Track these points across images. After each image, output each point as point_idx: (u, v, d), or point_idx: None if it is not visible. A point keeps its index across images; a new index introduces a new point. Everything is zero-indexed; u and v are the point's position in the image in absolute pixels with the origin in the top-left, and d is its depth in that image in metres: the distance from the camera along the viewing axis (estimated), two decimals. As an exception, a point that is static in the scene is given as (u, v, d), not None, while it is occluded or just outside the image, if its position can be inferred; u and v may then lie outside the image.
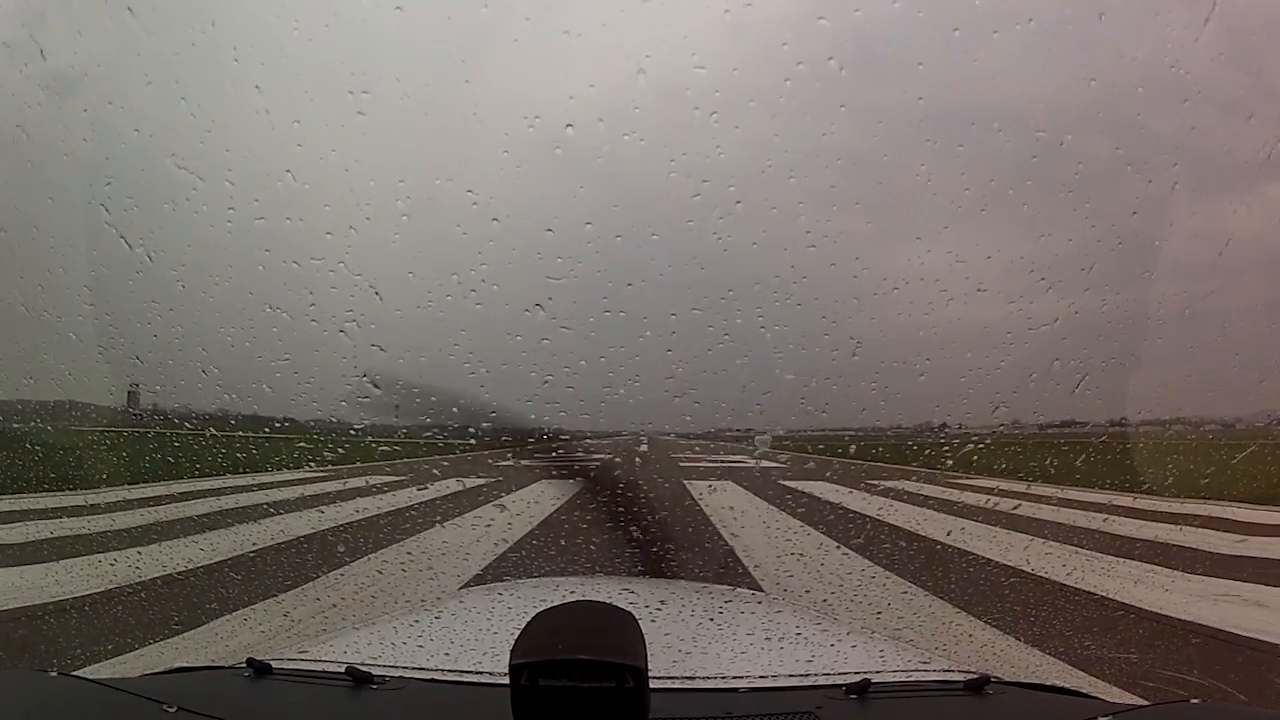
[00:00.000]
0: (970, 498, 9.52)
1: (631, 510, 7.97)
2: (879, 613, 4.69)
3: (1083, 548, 6.62)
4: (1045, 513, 8.28)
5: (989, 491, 9.02)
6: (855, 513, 9.23)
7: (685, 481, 12.12)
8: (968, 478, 11.51)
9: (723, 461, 18.42)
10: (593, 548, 5.94)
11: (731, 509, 9.11)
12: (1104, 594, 5.17)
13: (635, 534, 6.08)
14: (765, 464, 18.06)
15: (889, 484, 11.59)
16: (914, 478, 11.77)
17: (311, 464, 9.49)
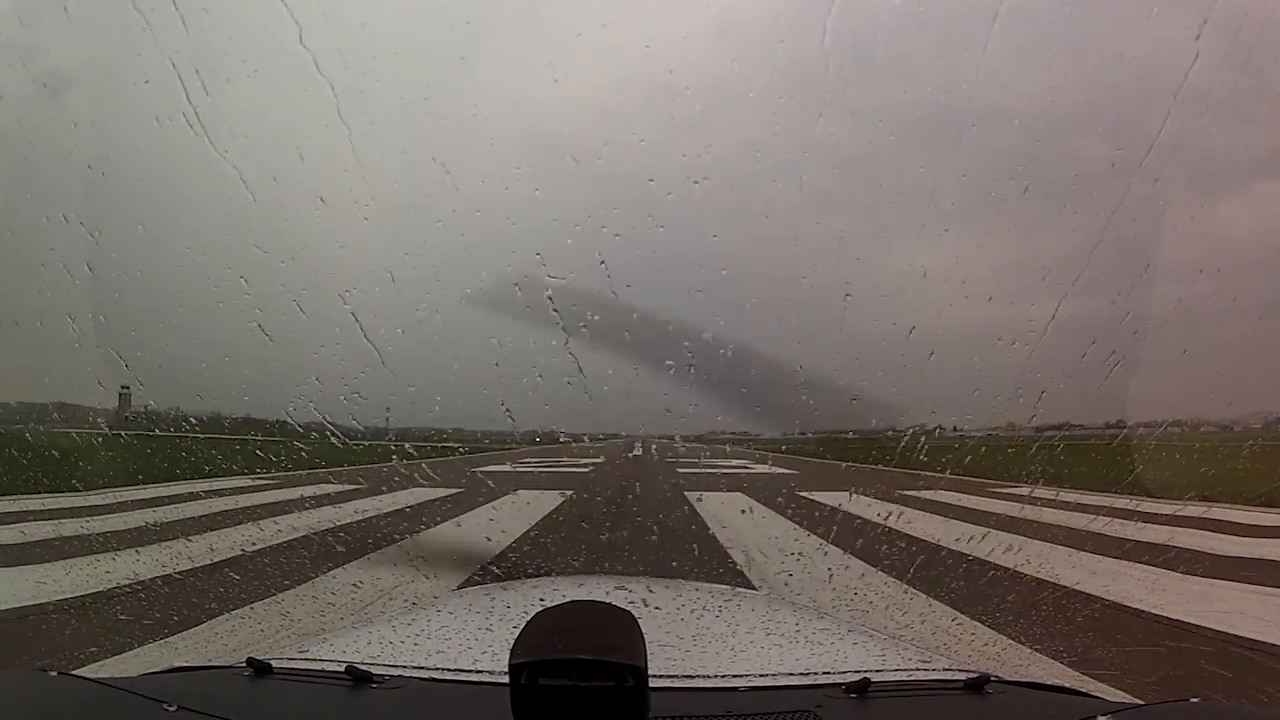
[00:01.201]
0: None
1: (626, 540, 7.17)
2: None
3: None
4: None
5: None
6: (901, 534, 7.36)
7: (687, 493, 11.26)
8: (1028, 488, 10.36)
9: (726, 467, 16.75)
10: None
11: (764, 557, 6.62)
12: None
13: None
14: (774, 469, 16.90)
15: (926, 495, 10.25)
16: (947, 486, 10.29)
17: (265, 470, 8.75)
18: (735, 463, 18.92)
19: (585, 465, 16.86)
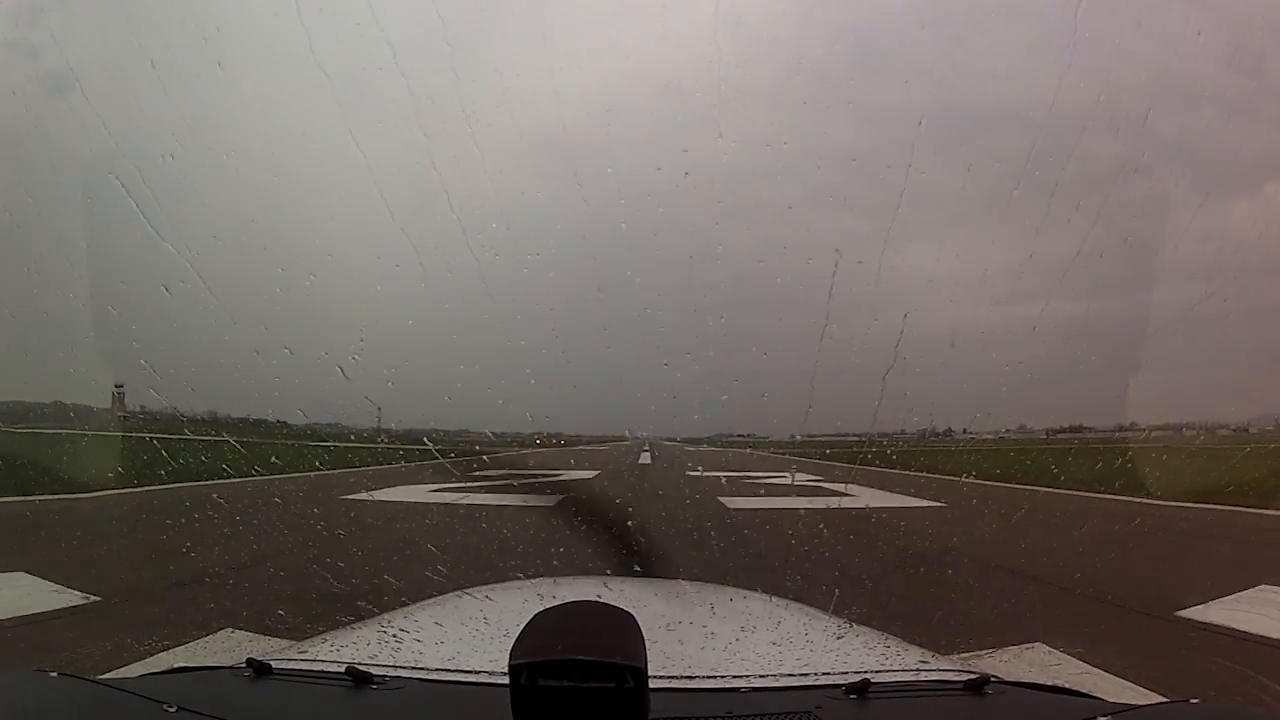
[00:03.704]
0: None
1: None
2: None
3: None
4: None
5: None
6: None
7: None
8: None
9: (785, 496, 10.57)
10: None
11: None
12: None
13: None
14: (850, 489, 10.91)
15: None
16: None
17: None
18: (777, 477, 13.06)
19: (558, 491, 9.59)
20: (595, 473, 13.44)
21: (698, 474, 13.39)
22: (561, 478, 11.88)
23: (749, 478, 12.56)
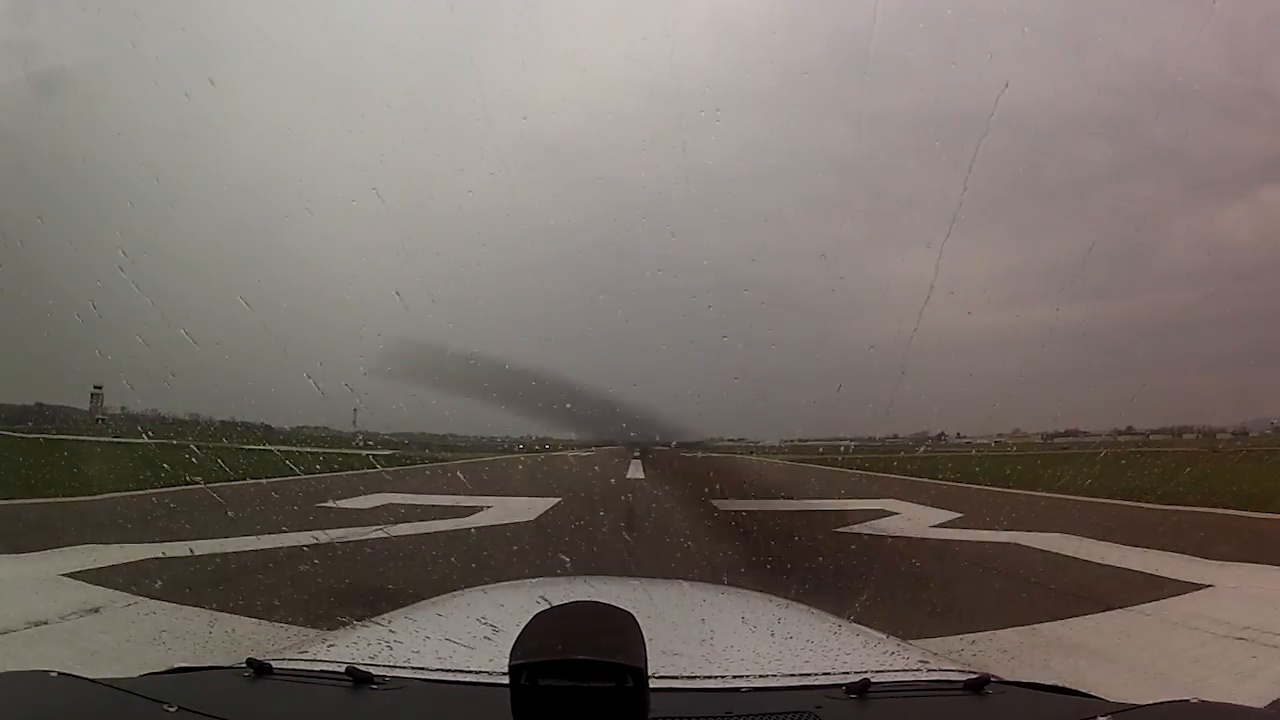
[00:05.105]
0: None
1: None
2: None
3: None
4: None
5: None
6: None
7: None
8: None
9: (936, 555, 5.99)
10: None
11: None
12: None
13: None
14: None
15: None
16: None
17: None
18: (868, 515, 7.78)
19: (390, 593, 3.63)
20: (554, 503, 7.82)
21: (728, 508, 7.96)
22: (476, 523, 6.41)
23: (827, 515, 7.45)
